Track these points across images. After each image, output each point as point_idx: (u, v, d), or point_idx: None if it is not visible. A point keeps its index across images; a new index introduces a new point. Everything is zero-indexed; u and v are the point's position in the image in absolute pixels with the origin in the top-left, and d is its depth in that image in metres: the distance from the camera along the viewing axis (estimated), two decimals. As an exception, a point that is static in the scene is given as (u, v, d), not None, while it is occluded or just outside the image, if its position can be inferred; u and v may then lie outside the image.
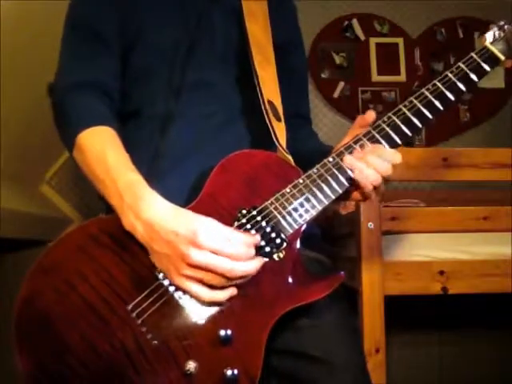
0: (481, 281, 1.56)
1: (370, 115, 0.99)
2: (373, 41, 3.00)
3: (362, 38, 3.01)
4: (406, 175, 1.62)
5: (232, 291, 0.86)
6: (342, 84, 2.96)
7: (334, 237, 1.83)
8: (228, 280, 0.85)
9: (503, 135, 2.86)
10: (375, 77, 2.97)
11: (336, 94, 2.96)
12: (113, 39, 1.07)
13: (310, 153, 1.05)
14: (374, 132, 0.96)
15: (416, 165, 1.59)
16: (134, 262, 0.88)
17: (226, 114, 1.08)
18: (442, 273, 1.55)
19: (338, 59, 2.98)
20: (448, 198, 2.38)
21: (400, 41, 3.00)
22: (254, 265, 0.86)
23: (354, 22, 3.01)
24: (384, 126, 0.96)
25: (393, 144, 0.95)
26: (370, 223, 1.49)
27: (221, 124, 1.07)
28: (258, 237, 0.89)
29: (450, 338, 2.52)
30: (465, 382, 2.46)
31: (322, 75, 2.96)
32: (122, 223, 0.89)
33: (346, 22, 3.00)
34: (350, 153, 0.94)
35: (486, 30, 1.02)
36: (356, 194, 0.97)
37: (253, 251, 0.86)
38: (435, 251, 1.59)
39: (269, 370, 0.92)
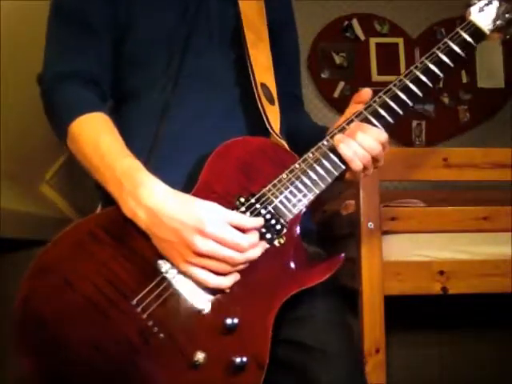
0: (481, 281, 1.56)
1: (366, 93, 1.00)
2: (373, 41, 3.00)
3: (362, 38, 3.00)
4: (406, 175, 1.62)
5: (236, 277, 0.87)
6: (342, 84, 2.96)
7: (334, 237, 1.83)
8: (232, 266, 0.86)
9: (503, 135, 2.86)
10: (375, 77, 2.97)
11: (336, 94, 2.96)
12: (102, 28, 1.06)
13: (308, 131, 1.08)
14: (365, 112, 0.97)
15: (416, 165, 1.59)
16: (134, 256, 0.88)
17: (225, 100, 1.07)
18: (441, 273, 1.55)
19: (337, 59, 2.98)
20: (448, 198, 2.38)
21: (400, 41, 3.00)
22: (256, 252, 0.87)
23: (354, 22, 3.01)
24: (375, 105, 0.97)
25: (385, 122, 0.96)
26: (370, 223, 1.49)
27: (220, 111, 1.06)
28: (261, 219, 0.90)
29: (450, 338, 2.52)
30: (465, 382, 2.46)
31: (322, 75, 2.96)
32: (122, 210, 0.88)
33: (346, 22, 3.00)
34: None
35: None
36: (348, 174, 0.99)
37: (256, 237, 0.88)
38: (435, 251, 1.59)
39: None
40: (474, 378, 2.44)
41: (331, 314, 0.98)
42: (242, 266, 0.87)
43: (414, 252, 1.59)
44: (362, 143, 0.92)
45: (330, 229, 1.87)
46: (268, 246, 0.90)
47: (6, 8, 1.50)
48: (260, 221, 0.89)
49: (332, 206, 1.92)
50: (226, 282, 0.87)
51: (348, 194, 1.68)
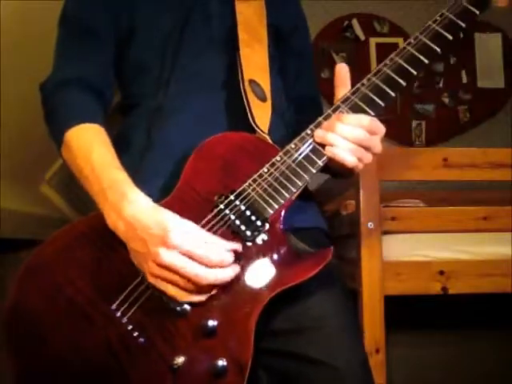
0: (481, 281, 1.56)
1: (342, 69, 0.95)
2: (373, 41, 3.01)
3: (362, 37, 3.01)
4: (406, 175, 1.62)
5: (212, 292, 0.84)
6: (342, 84, 2.96)
7: (333, 237, 1.83)
8: (196, 285, 0.82)
9: (503, 135, 2.86)
10: (375, 77, 2.97)
11: (336, 94, 2.96)
12: (104, 34, 1.06)
13: None
14: (353, 97, 0.92)
15: (416, 165, 1.59)
16: (119, 260, 0.87)
17: (223, 102, 1.05)
18: (442, 273, 1.54)
19: (338, 59, 2.98)
20: (448, 198, 2.37)
21: (400, 41, 2.99)
22: (225, 273, 0.83)
23: (354, 22, 3.01)
24: (364, 89, 0.92)
25: (375, 107, 0.91)
26: (370, 223, 1.49)
27: (219, 112, 1.04)
28: (239, 245, 0.86)
29: (450, 338, 2.51)
30: (465, 381, 2.46)
31: (322, 75, 2.96)
32: (106, 221, 0.88)
33: (346, 22, 3.01)
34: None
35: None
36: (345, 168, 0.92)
37: (228, 258, 0.83)
38: (435, 251, 1.59)
39: (267, 370, 0.92)
40: (474, 377, 2.44)
41: (338, 318, 0.96)
42: (209, 286, 0.82)
43: (414, 252, 1.58)
44: (342, 134, 0.87)
45: (329, 229, 1.86)
46: (239, 268, 0.85)
47: (5, 8, 1.51)
48: (234, 245, 0.85)
49: (332, 206, 1.92)
50: (197, 298, 0.83)
51: (348, 194, 1.68)
